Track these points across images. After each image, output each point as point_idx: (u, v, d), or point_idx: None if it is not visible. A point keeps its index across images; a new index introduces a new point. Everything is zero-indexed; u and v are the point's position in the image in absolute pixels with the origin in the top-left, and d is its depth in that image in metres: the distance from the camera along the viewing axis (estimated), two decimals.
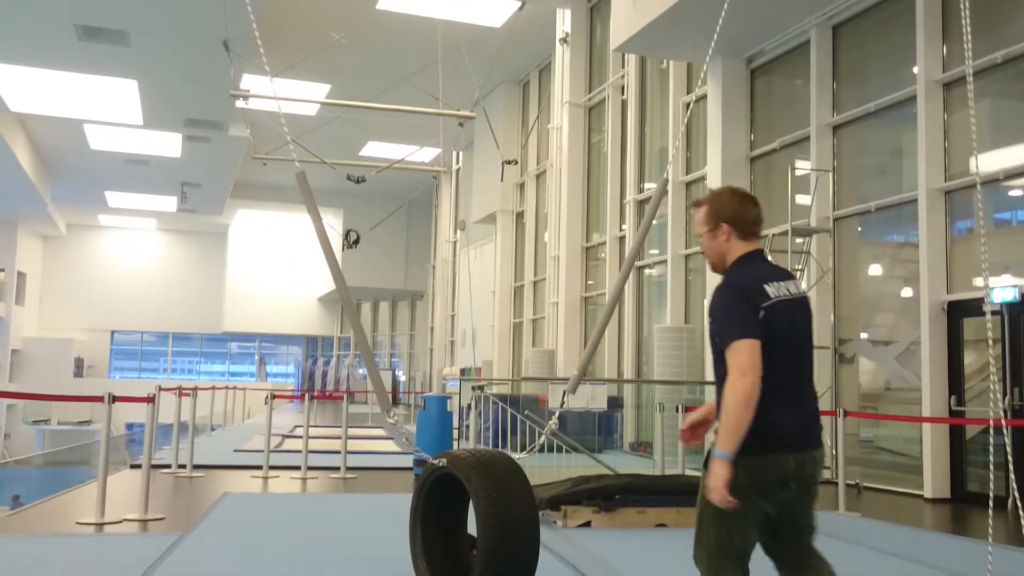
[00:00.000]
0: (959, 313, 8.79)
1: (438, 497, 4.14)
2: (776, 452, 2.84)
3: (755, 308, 2.84)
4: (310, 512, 7.16)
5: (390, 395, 33.04)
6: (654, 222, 14.54)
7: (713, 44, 6.16)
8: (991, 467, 4.47)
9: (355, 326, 4.03)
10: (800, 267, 10.80)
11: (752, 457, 2.79)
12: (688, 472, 9.13)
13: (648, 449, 12.39)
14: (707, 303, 12.47)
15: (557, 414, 4.27)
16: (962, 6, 3.85)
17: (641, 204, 14.76)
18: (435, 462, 3.98)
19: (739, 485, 2.76)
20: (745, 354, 2.76)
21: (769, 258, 3.18)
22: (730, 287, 2.94)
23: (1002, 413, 8.15)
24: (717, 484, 2.75)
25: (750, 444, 2.76)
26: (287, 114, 21.18)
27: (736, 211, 3.06)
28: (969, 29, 3.99)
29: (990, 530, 3.97)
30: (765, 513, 2.89)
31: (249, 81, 17.94)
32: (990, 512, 4.11)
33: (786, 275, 3.03)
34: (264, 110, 20.51)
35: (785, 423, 2.86)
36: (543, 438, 3.34)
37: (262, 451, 9.66)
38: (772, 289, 2.91)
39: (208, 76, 15.84)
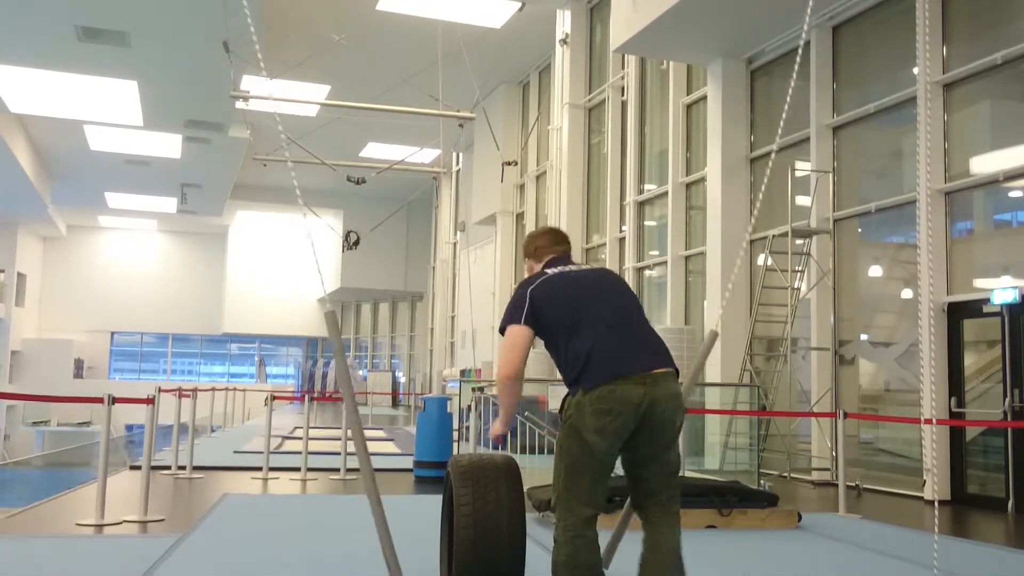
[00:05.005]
0: (959, 314, 8.79)
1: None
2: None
3: (523, 295, 3.42)
4: (310, 513, 7.16)
5: (391, 396, 32.86)
6: (653, 223, 14.62)
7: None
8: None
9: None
10: (800, 268, 10.80)
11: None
12: (687, 474, 9.13)
13: None
14: (706, 304, 12.47)
15: None
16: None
17: (641, 205, 14.76)
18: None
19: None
20: (506, 340, 3.44)
21: (573, 261, 3.72)
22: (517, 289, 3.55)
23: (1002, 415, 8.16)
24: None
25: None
26: (287, 115, 21.20)
27: (525, 248, 3.81)
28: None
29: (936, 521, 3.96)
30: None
31: (249, 82, 17.95)
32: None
33: (578, 264, 3.65)
34: (264, 111, 20.52)
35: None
36: None
37: (262, 452, 9.65)
38: (552, 270, 3.54)
39: (208, 77, 15.84)
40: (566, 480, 3.23)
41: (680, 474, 3.43)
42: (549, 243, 3.74)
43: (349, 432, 10.05)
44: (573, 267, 3.55)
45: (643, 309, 3.53)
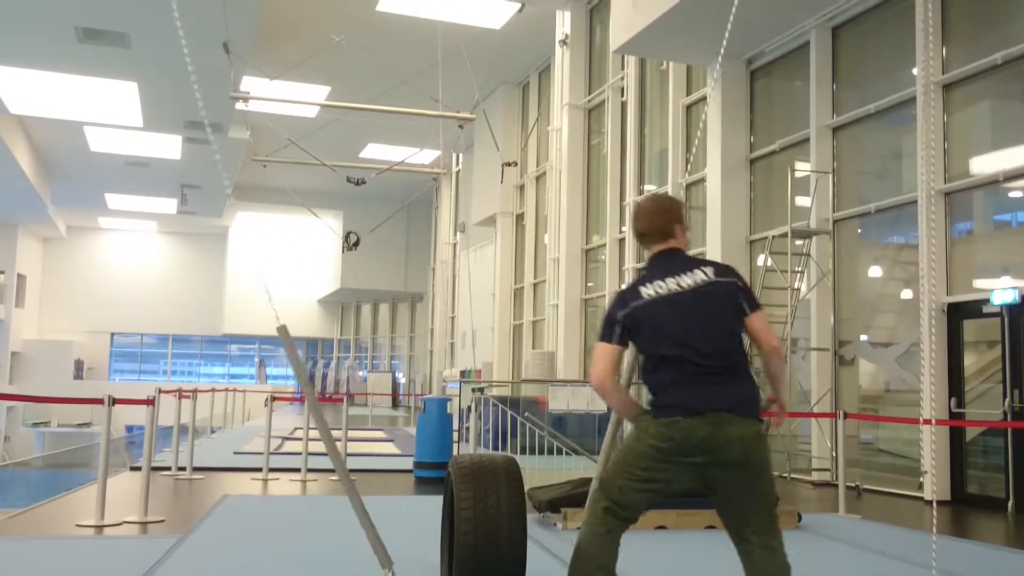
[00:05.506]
0: (959, 315, 8.79)
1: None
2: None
3: (616, 314, 3.30)
4: (310, 514, 7.16)
5: (390, 397, 32.90)
6: None
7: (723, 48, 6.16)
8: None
9: None
10: (800, 269, 10.80)
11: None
12: None
13: None
14: None
15: None
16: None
17: None
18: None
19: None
20: (594, 354, 3.33)
21: (677, 253, 3.44)
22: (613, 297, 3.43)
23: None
24: None
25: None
26: (287, 116, 21.21)
27: (632, 227, 3.54)
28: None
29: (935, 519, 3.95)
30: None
31: (249, 83, 17.95)
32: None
33: (683, 269, 3.32)
34: (264, 112, 20.53)
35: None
36: None
37: (262, 453, 9.65)
38: (649, 289, 3.29)
39: (208, 78, 15.84)
40: (608, 470, 3.30)
41: (773, 507, 3.24)
42: (652, 230, 3.45)
43: (350, 433, 10.07)
44: (673, 283, 3.28)
45: (740, 336, 3.29)
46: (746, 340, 3.33)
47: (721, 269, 3.36)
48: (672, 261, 3.38)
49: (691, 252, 3.53)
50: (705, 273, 3.29)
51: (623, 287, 3.43)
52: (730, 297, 3.28)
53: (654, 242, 3.45)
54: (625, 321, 3.28)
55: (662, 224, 3.45)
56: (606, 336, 3.32)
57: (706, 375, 3.17)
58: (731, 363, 3.22)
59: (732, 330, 3.27)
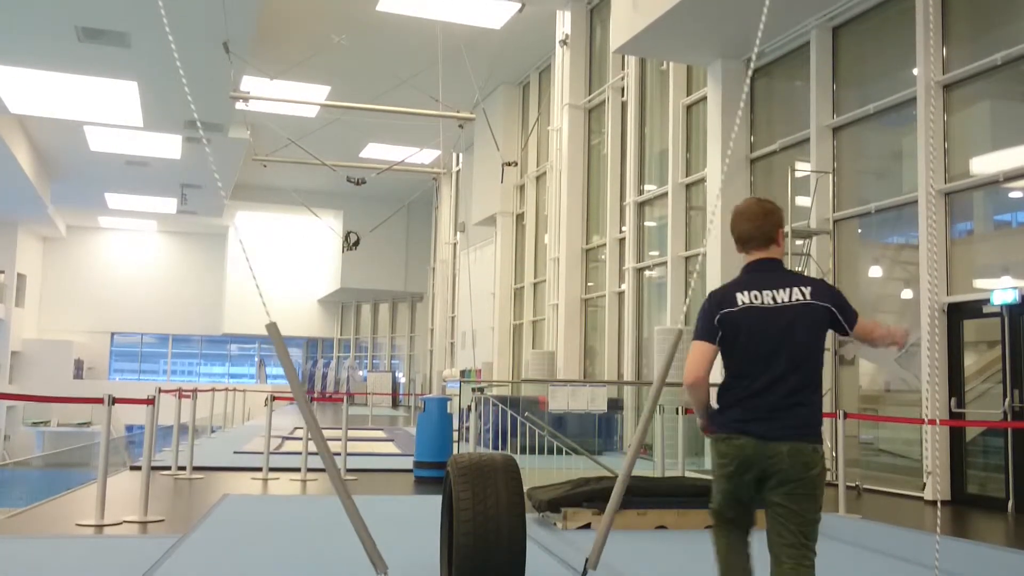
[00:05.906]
0: (959, 315, 8.79)
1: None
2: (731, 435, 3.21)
3: (713, 316, 3.23)
4: (310, 514, 7.16)
5: (390, 397, 32.86)
6: (653, 223, 14.62)
7: (756, 44, 6.14)
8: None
9: None
10: (800, 269, 10.80)
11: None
12: (688, 474, 9.14)
13: (648, 451, 12.39)
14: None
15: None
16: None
17: (641, 206, 14.76)
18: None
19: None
20: (692, 352, 3.28)
21: (777, 263, 3.34)
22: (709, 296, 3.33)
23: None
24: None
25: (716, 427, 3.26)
26: (287, 116, 21.21)
27: (732, 227, 3.37)
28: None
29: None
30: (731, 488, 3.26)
31: (249, 83, 17.95)
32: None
33: (780, 284, 3.22)
34: (264, 112, 20.53)
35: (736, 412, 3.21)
36: None
37: (262, 453, 9.65)
38: (745, 297, 3.21)
39: (208, 78, 15.85)
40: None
41: (814, 526, 3.19)
42: (756, 233, 3.30)
43: (350, 433, 10.07)
44: (769, 296, 3.20)
45: (821, 360, 3.25)
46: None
47: (818, 290, 3.23)
48: (771, 272, 3.28)
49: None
50: (802, 292, 3.19)
51: (715, 289, 3.31)
52: (822, 321, 3.21)
53: (755, 247, 3.31)
54: (723, 323, 3.21)
55: (767, 229, 3.30)
56: (707, 335, 3.23)
57: (775, 398, 3.14)
58: (802, 387, 3.17)
59: (814, 356, 3.21)
